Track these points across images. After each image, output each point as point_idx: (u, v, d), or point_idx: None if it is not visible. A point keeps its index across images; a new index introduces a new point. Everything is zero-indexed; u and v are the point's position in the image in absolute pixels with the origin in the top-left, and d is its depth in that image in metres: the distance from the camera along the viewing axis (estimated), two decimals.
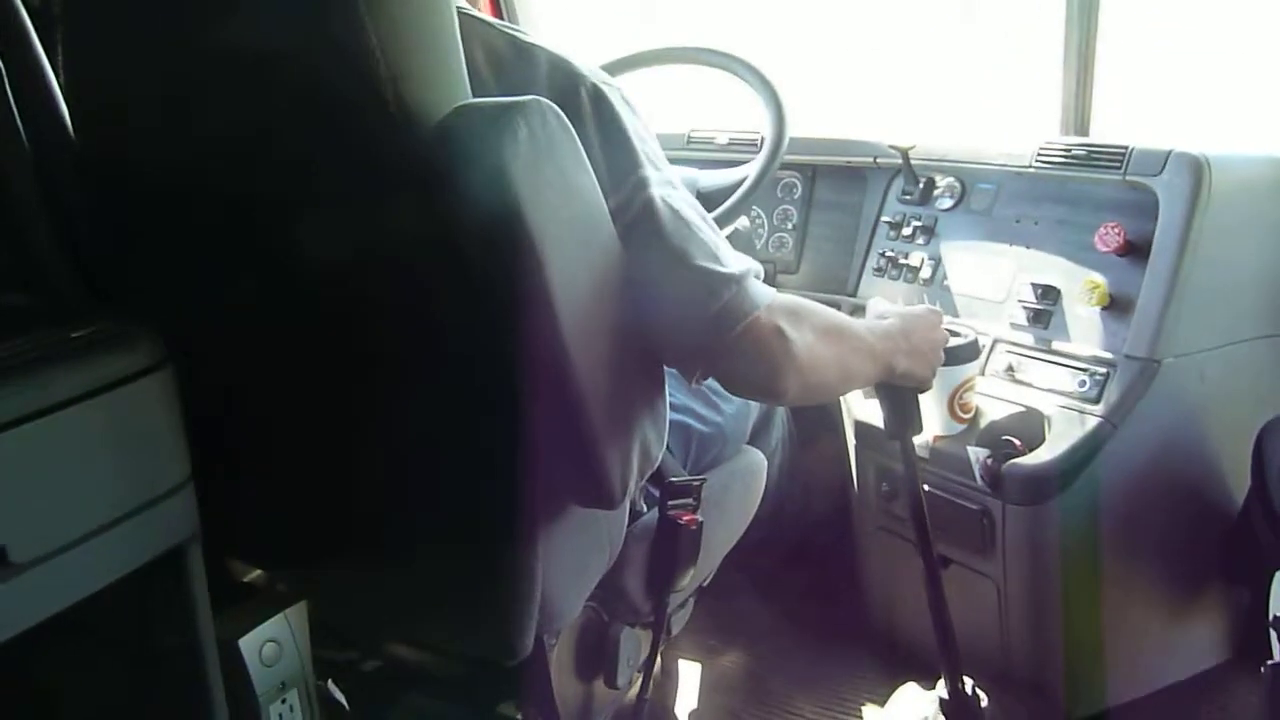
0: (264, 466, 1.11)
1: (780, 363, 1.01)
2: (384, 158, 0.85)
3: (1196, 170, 1.42)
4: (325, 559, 1.16)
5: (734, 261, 1.00)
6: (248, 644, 1.10)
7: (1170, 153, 1.45)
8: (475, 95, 0.87)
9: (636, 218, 0.96)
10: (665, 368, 1.06)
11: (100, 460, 0.87)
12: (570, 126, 0.87)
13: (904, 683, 1.55)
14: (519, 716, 1.37)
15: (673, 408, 1.14)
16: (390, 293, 0.93)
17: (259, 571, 1.31)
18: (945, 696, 1.42)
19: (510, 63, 0.96)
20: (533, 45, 0.97)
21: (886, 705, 1.55)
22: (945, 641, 1.40)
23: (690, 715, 1.67)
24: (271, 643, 1.11)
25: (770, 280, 1.87)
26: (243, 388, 1.08)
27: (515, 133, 0.81)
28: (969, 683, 1.45)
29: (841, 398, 1.67)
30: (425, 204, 0.85)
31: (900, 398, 1.29)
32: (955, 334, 1.47)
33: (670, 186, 0.99)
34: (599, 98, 0.96)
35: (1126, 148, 1.50)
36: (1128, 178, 1.49)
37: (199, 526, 0.96)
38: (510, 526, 0.99)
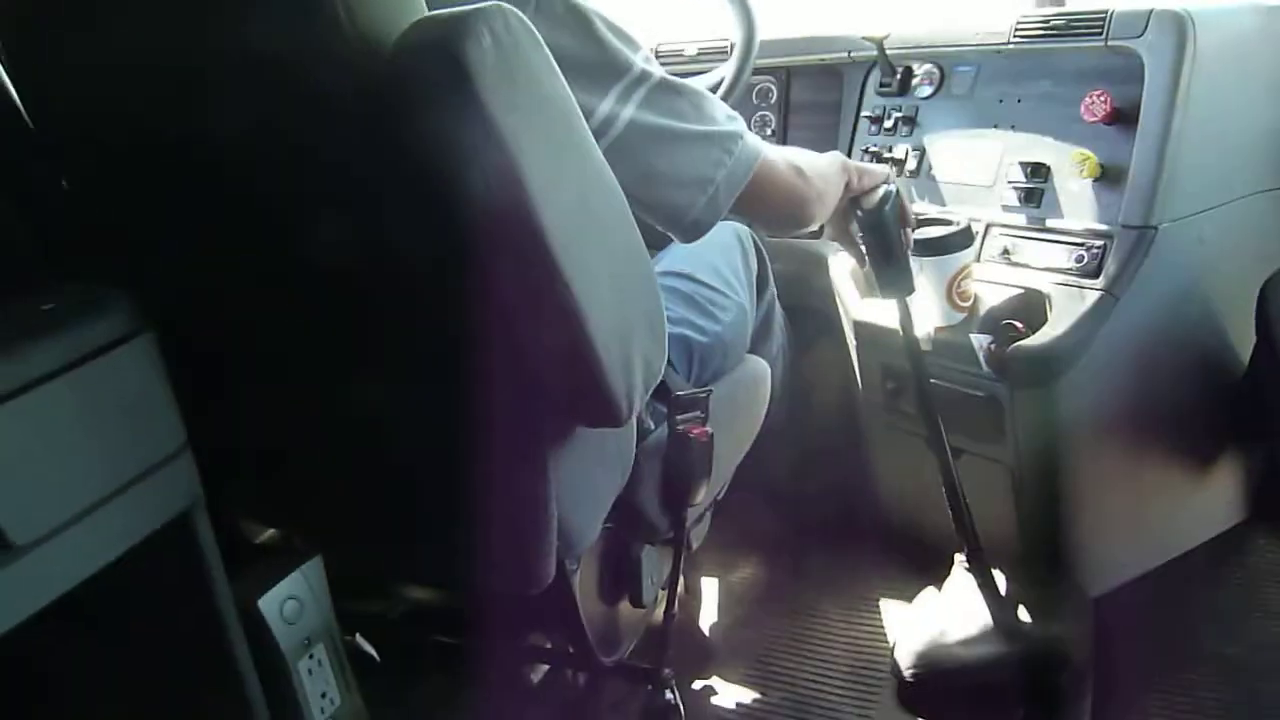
0: (262, 424, 1.09)
1: (804, 192, 1.18)
2: (344, 88, 0.81)
3: (1180, 27, 1.38)
4: (336, 511, 1.14)
5: (732, 121, 1.09)
6: (267, 603, 1.09)
7: (1151, 12, 1.40)
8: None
9: (648, 100, 1.00)
10: (657, 279, 1.03)
11: (89, 433, 0.84)
12: (535, 30, 0.83)
13: (923, 575, 1.56)
14: (549, 644, 1.38)
15: (670, 321, 1.11)
16: (369, 232, 0.90)
17: (272, 531, 1.30)
18: (965, 563, 1.44)
19: None
20: None
21: (912, 603, 1.56)
22: (962, 522, 1.42)
23: (716, 629, 1.68)
24: (291, 600, 1.11)
25: None
26: (231, 346, 1.05)
27: (479, 40, 0.77)
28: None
29: (839, 300, 1.65)
30: (393, 133, 0.81)
31: (882, 231, 1.31)
32: (947, 223, 1.45)
33: (658, 65, 1.03)
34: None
35: (1106, 12, 1.45)
36: (1110, 43, 1.44)
37: (202, 491, 0.95)
38: (520, 456, 0.97)
